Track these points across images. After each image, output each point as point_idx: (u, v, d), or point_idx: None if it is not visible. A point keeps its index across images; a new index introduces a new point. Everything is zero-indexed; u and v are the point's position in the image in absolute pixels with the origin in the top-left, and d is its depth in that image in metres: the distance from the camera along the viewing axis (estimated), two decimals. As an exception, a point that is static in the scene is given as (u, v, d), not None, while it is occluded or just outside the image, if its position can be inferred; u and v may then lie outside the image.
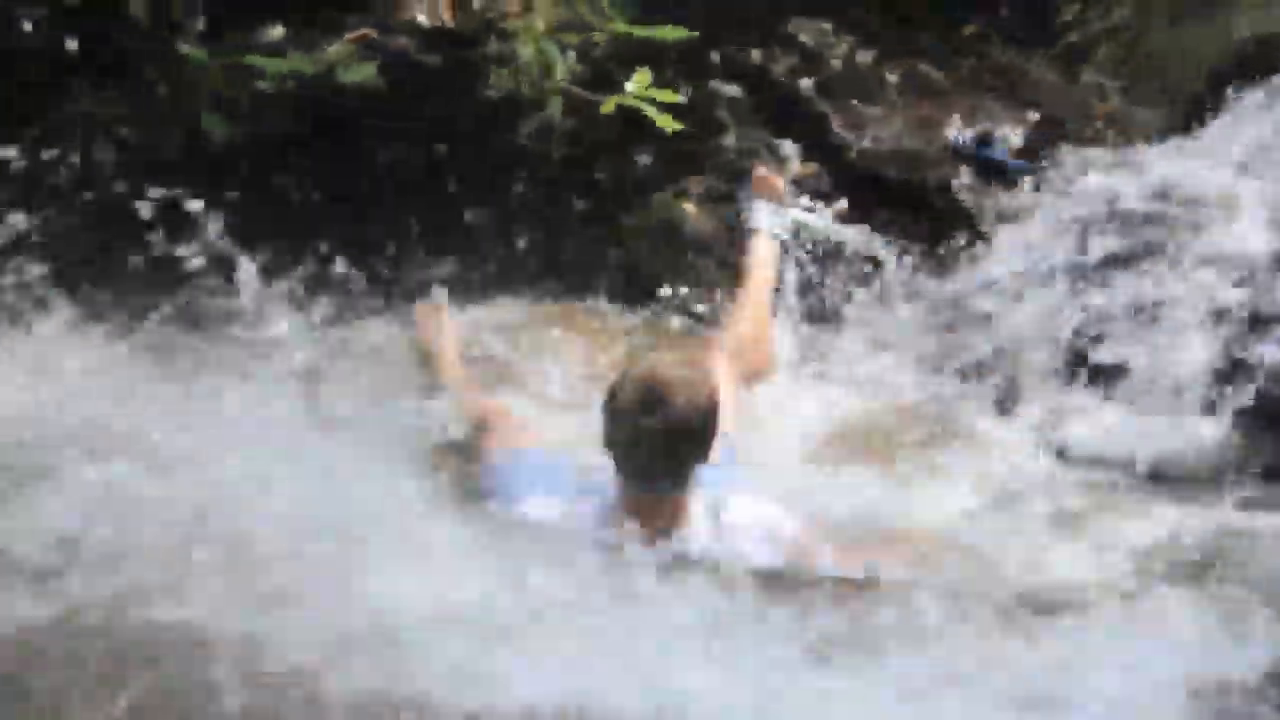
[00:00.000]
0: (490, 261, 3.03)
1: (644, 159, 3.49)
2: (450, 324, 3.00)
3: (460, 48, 3.47)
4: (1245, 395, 3.38)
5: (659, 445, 2.18)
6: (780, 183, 3.27)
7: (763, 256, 3.19)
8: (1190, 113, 3.81)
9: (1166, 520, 2.99)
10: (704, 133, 3.49)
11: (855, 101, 3.83)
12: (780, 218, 3.24)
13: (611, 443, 2.22)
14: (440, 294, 2.99)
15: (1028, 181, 3.70)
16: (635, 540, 2.11)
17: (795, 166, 3.49)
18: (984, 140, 3.79)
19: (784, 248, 3.35)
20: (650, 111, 3.27)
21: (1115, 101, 3.94)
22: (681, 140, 3.39)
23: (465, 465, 2.71)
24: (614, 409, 2.19)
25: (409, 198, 3.23)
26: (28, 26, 3.30)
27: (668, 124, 3.28)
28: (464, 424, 2.80)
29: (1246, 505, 3.14)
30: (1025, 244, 3.65)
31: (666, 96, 3.29)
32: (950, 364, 3.48)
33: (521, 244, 3.33)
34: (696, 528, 2.25)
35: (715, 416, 2.20)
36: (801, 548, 2.32)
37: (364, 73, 3.30)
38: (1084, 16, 4.13)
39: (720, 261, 3.53)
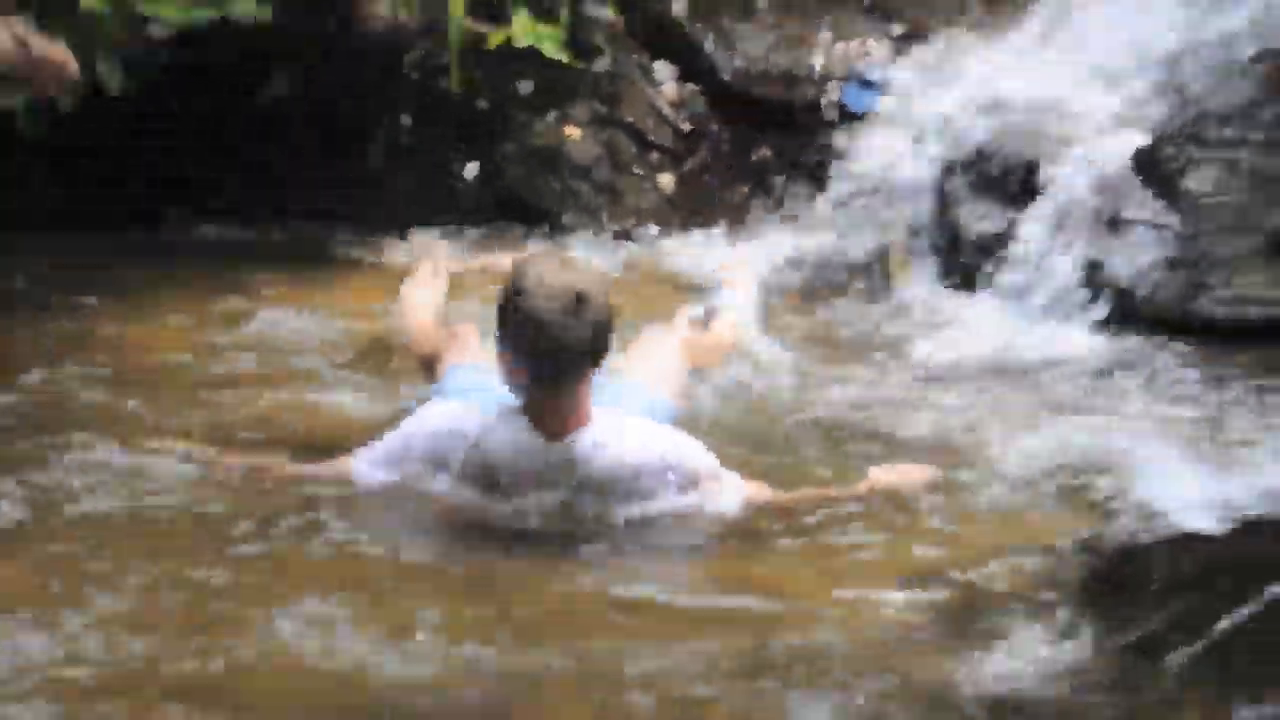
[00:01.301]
0: (374, 192, 3.19)
1: (524, 86, 3.70)
2: (442, 276, 3.18)
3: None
4: (1106, 299, 3.74)
5: (584, 345, 2.27)
6: (750, 279, 3.47)
7: (727, 325, 3.33)
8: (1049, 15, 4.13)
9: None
10: (581, 59, 3.73)
11: (726, 20, 4.08)
12: (747, 305, 3.43)
13: (527, 349, 2.29)
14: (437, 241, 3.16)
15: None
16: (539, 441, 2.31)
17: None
18: (863, 80, 4.09)
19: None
20: (539, 44, 3.57)
21: (976, 10, 4.23)
22: (559, 67, 3.63)
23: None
24: (532, 317, 2.25)
25: (293, 131, 3.43)
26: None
27: (556, 52, 3.60)
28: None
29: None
30: (891, 154, 3.99)
31: (550, 33, 3.61)
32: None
33: (409, 176, 3.55)
34: (597, 428, 2.37)
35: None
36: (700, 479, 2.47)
37: (250, 7, 3.46)
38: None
39: (601, 185, 3.78)
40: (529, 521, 2.44)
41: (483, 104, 3.67)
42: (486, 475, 2.44)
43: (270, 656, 1.93)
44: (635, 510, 2.47)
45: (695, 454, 2.48)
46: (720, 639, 2.14)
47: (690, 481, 2.47)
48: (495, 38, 3.62)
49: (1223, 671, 2.19)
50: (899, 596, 2.37)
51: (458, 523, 2.56)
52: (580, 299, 2.22)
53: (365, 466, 2.50)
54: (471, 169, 3.54)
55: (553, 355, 2.27)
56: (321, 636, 1.99)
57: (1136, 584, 2.49)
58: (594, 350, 2.29)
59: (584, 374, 2.32)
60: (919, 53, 4.30)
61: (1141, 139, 3.94)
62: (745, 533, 2.53)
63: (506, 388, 2.40)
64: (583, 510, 2.45)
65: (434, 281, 3.19)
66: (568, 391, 2.31)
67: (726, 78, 4.04)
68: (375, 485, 2.50)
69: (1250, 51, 4.09)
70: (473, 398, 2.52)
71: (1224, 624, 2.20)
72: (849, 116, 3.95)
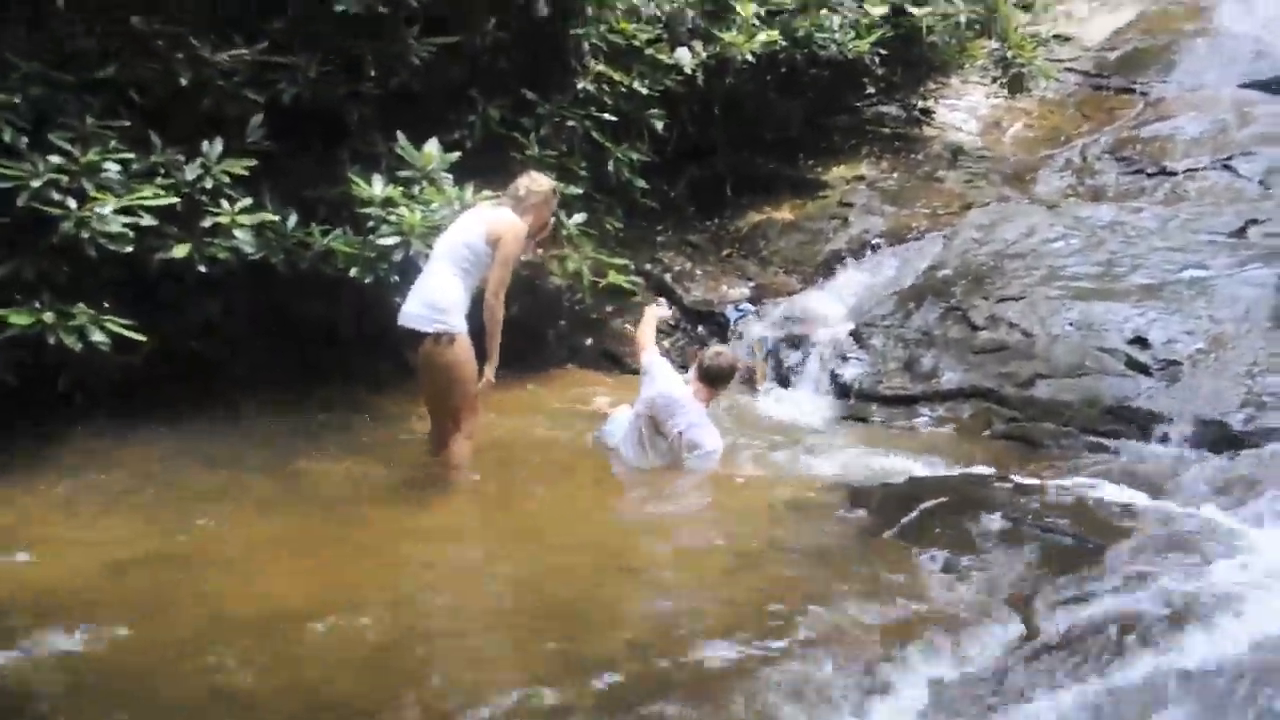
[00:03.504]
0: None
1: (613, 304, 8.02)
2: (652, 321, 6.23)
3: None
4: (841, 382, 7.10)
5: (735, 377, 5.94)
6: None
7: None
8: (810, 280, 8.18)
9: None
10: (632, 296, 8.12)
11: (688, 282, 8.11)
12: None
13: (718, 379, 5.74)
14: (660, 304, 6.67)
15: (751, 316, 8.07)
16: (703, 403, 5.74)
17: (664, 312, 6.76)
18: (737, 307, 8.02)
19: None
20: (624, 284, 7.57)
21: (782, 277, 8.30)
22: (629, 296, 7.86)
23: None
24: (724, 368, 5.66)
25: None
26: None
27: (627, 284, 7.66)
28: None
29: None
30: (754, 334, 7.97)
31: (625, 279, 7.67)
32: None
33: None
34: (710, 411, 6.00)
35: None
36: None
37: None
38: (766, 247, 8.55)
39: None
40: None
41: (595, 314, 7.98)
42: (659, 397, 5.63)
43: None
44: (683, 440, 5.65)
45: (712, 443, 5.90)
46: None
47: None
48: (609, 278, 7.33)
49: (919, 532, 4.01)
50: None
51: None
52: (736, 361, 5.88)
53: (654, 353, 5.88)
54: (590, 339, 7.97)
55: (727, 380, 5.74)
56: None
57: (869, 501, 4.53)
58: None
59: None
60: (763, 297, 8.15)
61: (854, 324, 7.44)
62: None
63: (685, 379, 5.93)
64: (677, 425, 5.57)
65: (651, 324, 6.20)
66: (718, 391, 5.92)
67: (686, 304, 8.03)
68: (650, 364, 5.79)
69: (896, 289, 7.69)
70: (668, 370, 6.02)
71: (912, 515, 4.13)
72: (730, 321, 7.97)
